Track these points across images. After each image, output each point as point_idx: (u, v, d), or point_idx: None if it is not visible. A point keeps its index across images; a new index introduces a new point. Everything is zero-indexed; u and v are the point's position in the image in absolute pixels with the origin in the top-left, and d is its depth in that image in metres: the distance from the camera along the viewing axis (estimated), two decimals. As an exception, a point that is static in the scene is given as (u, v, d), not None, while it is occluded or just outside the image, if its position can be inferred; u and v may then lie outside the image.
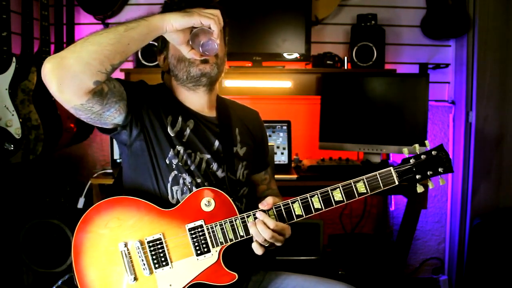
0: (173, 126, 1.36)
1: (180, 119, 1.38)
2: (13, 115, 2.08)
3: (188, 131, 1.38)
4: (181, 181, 1.33)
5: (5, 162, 2.11)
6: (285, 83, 2.68)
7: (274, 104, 2.83)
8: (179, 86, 1.42)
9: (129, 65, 2.76)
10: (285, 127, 2.56)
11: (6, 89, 2.06)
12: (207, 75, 1.37)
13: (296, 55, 2.63)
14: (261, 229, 1.22)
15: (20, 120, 2.09)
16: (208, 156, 1.38)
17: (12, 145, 2.08)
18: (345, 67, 2.67)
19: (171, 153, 1.33)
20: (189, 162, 1.34)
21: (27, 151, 2.16)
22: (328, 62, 2.64)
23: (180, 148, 1.34)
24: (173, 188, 1.33)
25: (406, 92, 2.50)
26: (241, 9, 2.59)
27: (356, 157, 2.71)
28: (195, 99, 1.42)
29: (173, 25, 1.18)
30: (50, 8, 2.36)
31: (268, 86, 2.69)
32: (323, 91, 2.63)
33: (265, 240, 1.23)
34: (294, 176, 2.28)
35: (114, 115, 1.27)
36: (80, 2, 2.60)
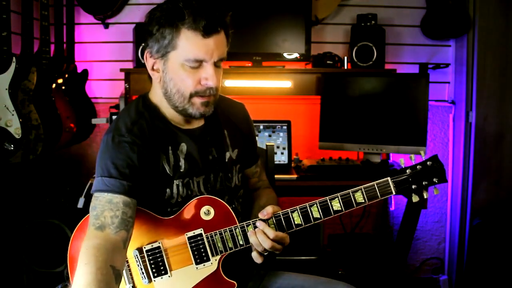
0: (169, 163, 1.31)
1: (170, 152, 1.31)
2: (13, 115, 2.08)
3: (182, 161, 1.32)
4: (182, 203, 1.32)
5: (5, 162, 2.11)
6: (285, 83, 2.68)
7: (274, 104, 2.83)
8: (168, 105, 1.32)
9: (129, 65, 2.77)
10: (285, 127, 2.56)
11: (6, 89, 2.06)
12: (205, 115, 1.31)
13: (296, 55, 2.63)
14: (261, 239, 1.22)
15: (20, 120, 2.09)
16: (203, 176, 1.35)
17: (12, 145, 2.08)
18: (345, 67, 2.67)
19: (168, 194, 1.30)
20: (189, 192, 1.32)
21: (27, 151, 2.15)
22: (328, 62, 2.64)
23: (178, 182, 1.31)
24: (174, 209, 1.32)
25: (406, 92, 2.50)
26: (241, 9, 2.59)
27: (356, 157, 2.70)
28: (184, 117, 1.35)
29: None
30: (50, 8, 2.37)
31: (268, 86, 2.69)
32: (323, 91, 2.63)
33: (265, 249, 1.23)
34: (294, 176, 2.28)
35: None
36: (80, 2, 2.60)
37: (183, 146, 1.33)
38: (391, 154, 2.66)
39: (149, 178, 1.27)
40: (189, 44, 1.21)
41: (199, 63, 1.23)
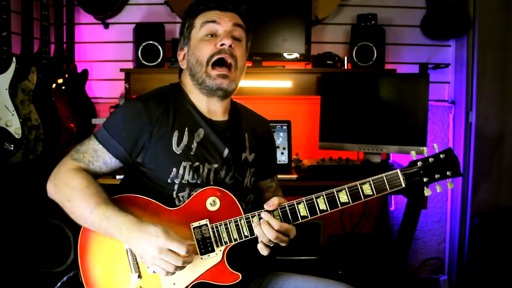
0: (179, 143, 1.34)
1: (186, 132, 1.36)
2: (13, 115, 2.08)
3: (195, 144, 1.36)
4: (187, 189, 1.34)
5: (5, 162, 2.11)
6: (285, 83, 2.68)
7: (274, 104, 2.83)
8: (194, 87, 1.41)
9: (129, 65, 2.77)
10: (285, 127, 2.56)
11: (6, 89, 2.06)
12: (223, 90, 1.37)
13: (296, 55, 2.63)
14: (266, 229, 1.22)
15: (20, 120, 2.09)
16: (216, 165, 1.37)
17: (12, 145, 2.08)
18: (345, 67, 2.67)
19: (173, 173, 1.33)
20: (195, 176, 1.33)
21: (27, 151, 2.16)
22: (328, 62, 2.64)
23: (186, 164, 1.33)
24: (179, 194, 1.33)
25: (406, 92, 2.50)
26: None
27: (356, 157, 2.70)
28: (209, 103, 1.42)
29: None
30: (50, 8, 2.37)
31: (268, 86, 2.69)
32: (323, 91, 2.63)
33: (270, 240, 1.23)
34: (294, 176, 2.28)
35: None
36: (80, 2, 2.60)
37: (201, 131, 1.38)
38: (391, 154, 2.66)
39: (152, 148, 1.33)
40: (204, 17, 1.38)
41: (214, 28, 1.35)
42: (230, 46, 1.35)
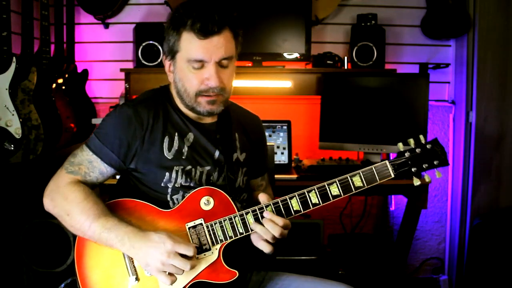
0: (170, 148, 1.34)
1: (176, 137, 1.35)
2: (13, 115, 2.08)
3: (186, 148, 1.36)
4: (181, 191, 1.34)
5: (5, 162, 2.11)
6: (285, 83, 2.68)
7: (274, 104, 2.83)
8: (180, 101, 1.38)
9: (129, 65, 2.77)
10: (285, 127, 2.56)
11: (6, 89, 2.06)
12: (213, 113, 1.37)
13: (296, 55, 2.63)
14: (271, 227, 1.23)
15: (20, 120, 2.09)
16: (208, 167, 1.37)
17: (12, 145, 2.08)
18: (345, 67, 2.67)
19: (166, 177, 1.33)
20: (188, 179, 1.34)
21: (27, 151, 2.16)
22: (328, 62, 2.64)
23: (178, 168, 1.33)
24: (173, 197, 1.34)
25: (406, 92, 2.50)
26: (242, 9, 2.59)
27: (356, 157, 2.70)
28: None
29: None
30: (50, 8, 2.37)
31: (268, 86, 2.69)
32: (323, 91, 2.63)
33: (274, 237, 1.24)
34: (294, 176, 2.28)
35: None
36: (80, 2, 2.60)
37: (190, 136, 1.38)
38: (391, 154, 2.66)
39: (144, 154, 1.33)
40: (189, 46, 1.29)
41: (200, 63, 1.29)
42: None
